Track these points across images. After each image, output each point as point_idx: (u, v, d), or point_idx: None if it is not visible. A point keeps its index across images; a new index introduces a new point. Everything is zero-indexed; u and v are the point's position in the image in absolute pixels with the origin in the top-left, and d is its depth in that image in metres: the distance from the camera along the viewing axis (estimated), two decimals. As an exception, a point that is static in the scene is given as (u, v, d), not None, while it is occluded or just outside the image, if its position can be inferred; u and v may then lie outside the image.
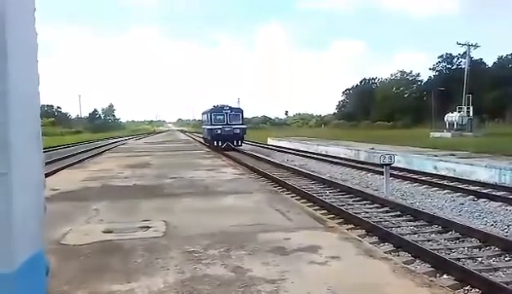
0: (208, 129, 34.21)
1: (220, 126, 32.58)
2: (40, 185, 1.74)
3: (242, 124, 33.82)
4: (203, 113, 39.59)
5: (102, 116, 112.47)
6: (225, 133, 32.32)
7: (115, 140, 55.02)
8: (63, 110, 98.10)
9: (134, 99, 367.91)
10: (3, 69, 1.40)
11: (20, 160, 1.49)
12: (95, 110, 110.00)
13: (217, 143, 31.99)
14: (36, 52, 1.70)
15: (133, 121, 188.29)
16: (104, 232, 5.72)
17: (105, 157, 21.08)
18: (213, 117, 33.39)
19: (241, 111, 34.94)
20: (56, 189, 9.16)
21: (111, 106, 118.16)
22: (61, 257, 4.58)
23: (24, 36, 1.60)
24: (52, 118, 79.33)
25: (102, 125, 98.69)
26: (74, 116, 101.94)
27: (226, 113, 33.25)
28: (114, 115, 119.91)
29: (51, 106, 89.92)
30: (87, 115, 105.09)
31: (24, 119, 1.56)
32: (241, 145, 33.26)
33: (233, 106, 35.27)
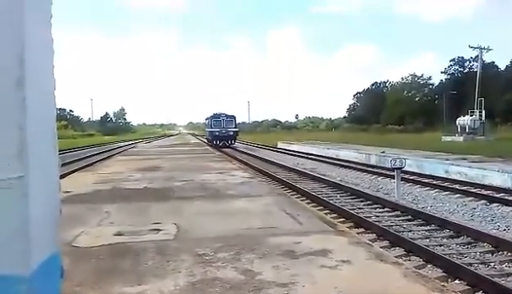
0: (210, 131, 44.42)
1: (218, 130, 42.37)
2: (56, 188, 1.76)
3: (235, 128, 43.91)
4: (206, 119, 49.79)
5: (114, 119, 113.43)
6: (222, 134, 42.06)
7: (126, 143, 55.31)
8: (75, 113, 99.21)
9: (145, 102, 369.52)
10: (21, 75, 1.42)
11: (37, 163, 1.51)
12: (106, 113, 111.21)
13: (216, 142, 41.31)
14: (52, 57, 1.73)
15: (144, 124, 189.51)
16: (115, 234, 5.76)
17: (116, 160, 21.21)
18: (213, 122, 43.40)
19: (234, 117, 44.60)
20: (68, 192, 9.23)
21: (122, 109, 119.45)
22: (73, 259, 4.62)
23: (41, 42, 1.63)
24: (65, 121, 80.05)
25: (114, 128, 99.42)
26: (85, 119, 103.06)
27: (223, 119, 43.01)
28: (125, 118, 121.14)
29: (64, 109, 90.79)
30: (99, 118, 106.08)
31: (41, 123, 1.58)
32: (234, 144, 42.73)
33: (228, 114, 44.50)
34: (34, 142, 1.49)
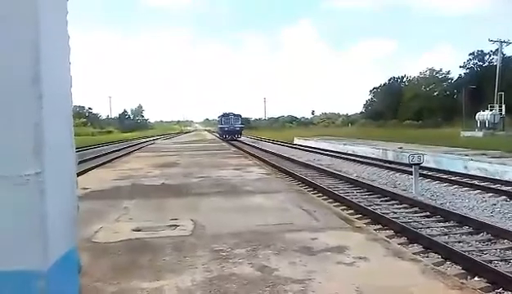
0: (220, 127, 56.08)
1: (227, 126, 53.58)
2: (73, 184, 1.78)
3: (241, 124, 55.67)
4: (218, 117, 61.36)
5: (131, 116, 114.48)
6: (230, 130, 53.19)
7: (144, 139, 55.98)
8: (94, 111, 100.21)
9: (162, 99, 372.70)
10: (37, 72, 1.44)
11: (54, 159, 1.53)
12: (124, 111, 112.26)
13: (226, 136, 51.93)
14: (69, 55, 1.75)
15: (161, 121, 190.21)
16: (133, 230, 5.82)
17: (134, 156, 21.42)
18: (223, 119, 54.89)
19: (240, 116, 56.35)
20: (88, 188, 9.36)
21: (140, 107, 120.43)
22: (92, 255, 4.68)
23: (58, 39, 1.65)
24: (84, 118, 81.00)
25: (131, 125, 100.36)
26: (104, 116, 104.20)
27: (231, 118, 54.46)
28: (142, 115, 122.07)
29: (83, 107, 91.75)
30: (117, 115, 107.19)
31: (57, 120, 1.60)
32: (240, 137, 53.11)
33: (235, 113, 55.85)
34: (51, 138, 1.51)
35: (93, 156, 25.90)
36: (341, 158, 24.98)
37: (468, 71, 72.90)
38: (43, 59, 1.45)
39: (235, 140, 48.31)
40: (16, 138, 1.43)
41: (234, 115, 55.21)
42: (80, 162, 19.88)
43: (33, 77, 1.43)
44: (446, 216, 9.41)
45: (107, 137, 61.11)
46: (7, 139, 1.43)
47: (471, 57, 73.88)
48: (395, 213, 9.96)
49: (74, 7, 1.76)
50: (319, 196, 11.59)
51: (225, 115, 55.32)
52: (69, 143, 1.74)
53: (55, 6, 1.62)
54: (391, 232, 8.21)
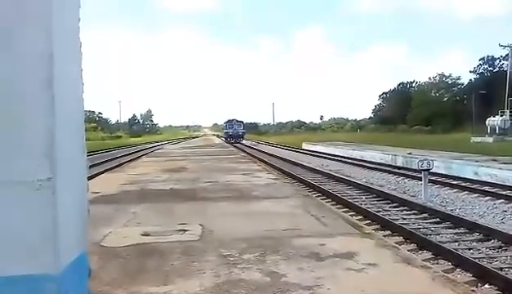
0: (225, 132, 65.51)
1: (231, 131, 62.51)
2: (84, 189, 1.80)
3: (243, 129, 64.26)
4: (224, 123, 70.44)
5: (141, 121, 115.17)
6: (233, 134, 61.42)
7: (153, 144, 56.27)
8: (104, 116, 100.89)
9: (172, 104, 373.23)
10: (50, 77, 1.46)
11: (66, 164, 1.55)
12: (134, 116, 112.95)
13: (230, 139, 59.28)
14: (81, 60, 1.77)
15: (170, 126, 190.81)
16: (142, 235, 5.83)
17: (142, 161, 21.51)
18: (227, 125, 64.80)
19: (243, 122, 65.51)
20: (97, 193, 9.40)
21: (149, 111, 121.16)
22: (101, 259, 4.70)
23: (70, 45, 1.67)
24: (94, 123, 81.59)
25: (141, 130, 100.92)
26: (114, 121, 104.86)
27: (234, 123, 63.64)
28: (152, 120, 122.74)
29: (93, 112, 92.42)
30: (127, 120, 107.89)
31: (69, 125, 1.62)
32: (243, 141, 59.99)
33: (238, 119, 65.07)
34: (63, 143, 1.52)
35: (103, 160, 26.03)
36: (350, 163, 24.91)
37: (478, 76, 72.36)
38: (56, 65, 1.47)
39: (239, 143, 54.38)
40: (29, 143, 1.45)
41: (237, 121, 64.67)
42: (90, 167, 19.98)
43: (46, 83, 1.45)
44: (456, 222, 9.33)
45: (117, 142, 61.41)
46: (21, 144, 1.45)
47: (481, 62, 73.43)
48: (404, 219, 9.90)
49: (83, 10, 1.79)
50: (327, 201, 11.55)
51: (229, 121, 65.10)
52: (80, 148, 1.76)
53: (68, 14, 1.65)
54: (400, 238, 8.16)
